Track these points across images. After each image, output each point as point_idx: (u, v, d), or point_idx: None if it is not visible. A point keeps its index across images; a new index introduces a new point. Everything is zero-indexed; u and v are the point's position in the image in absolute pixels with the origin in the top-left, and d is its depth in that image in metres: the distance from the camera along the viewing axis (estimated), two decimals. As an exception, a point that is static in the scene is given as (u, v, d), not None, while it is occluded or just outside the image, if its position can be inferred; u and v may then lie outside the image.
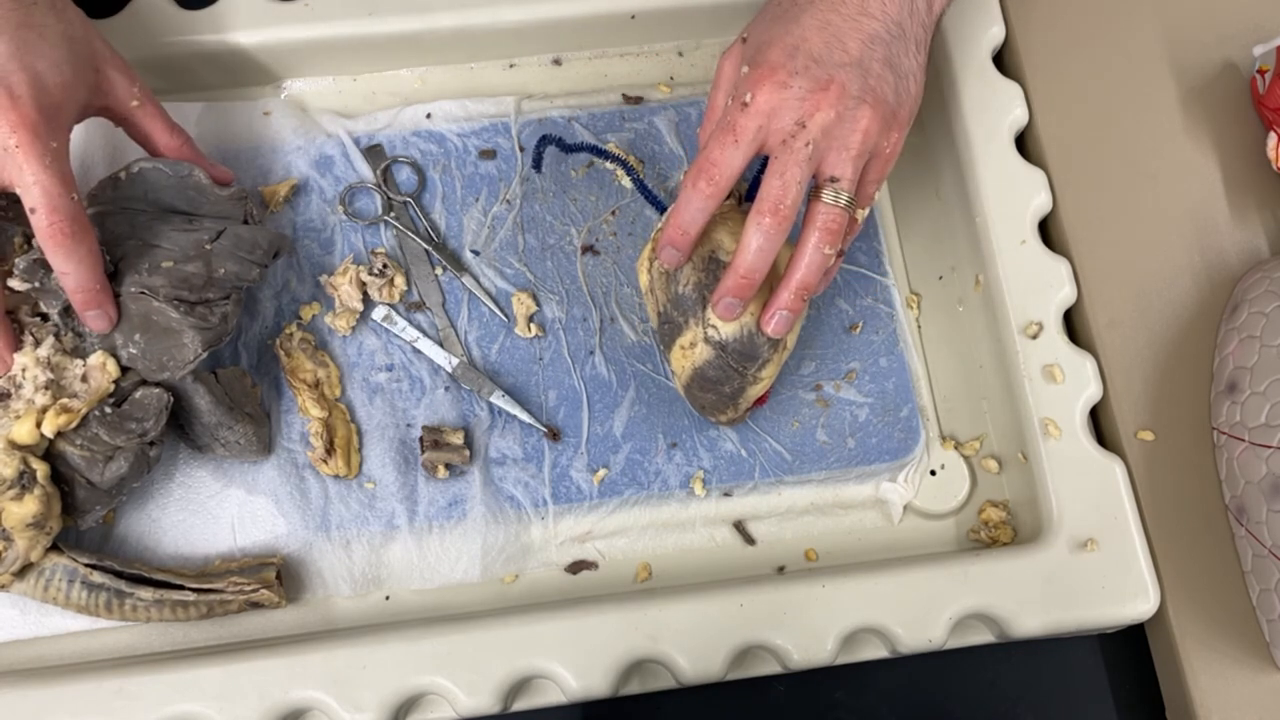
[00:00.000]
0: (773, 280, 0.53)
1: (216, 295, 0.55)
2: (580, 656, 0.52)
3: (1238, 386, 0.57)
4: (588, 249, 0.63)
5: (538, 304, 0.62)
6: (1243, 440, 0.55)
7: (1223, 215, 0.63)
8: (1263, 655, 0.55)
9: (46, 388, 0.53)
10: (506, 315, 0.62)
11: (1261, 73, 0.63)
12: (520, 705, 0.55)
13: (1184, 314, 0.61)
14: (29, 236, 0.55)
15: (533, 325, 0.61)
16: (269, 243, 0.57)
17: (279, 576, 0.55)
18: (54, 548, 0.54)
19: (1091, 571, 0.54)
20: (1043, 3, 0.66)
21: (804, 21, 0.50)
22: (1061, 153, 0.64)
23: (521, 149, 0.64)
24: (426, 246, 0.63)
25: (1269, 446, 0.54)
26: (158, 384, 0.55)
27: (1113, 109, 0.65)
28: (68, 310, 0.54)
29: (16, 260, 0.54)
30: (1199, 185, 0.64)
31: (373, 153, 0.65)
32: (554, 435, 0.60)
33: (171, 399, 0.54)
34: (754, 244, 0.50)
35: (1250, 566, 0.55)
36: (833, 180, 0.50)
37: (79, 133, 0.64)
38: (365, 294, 0.61)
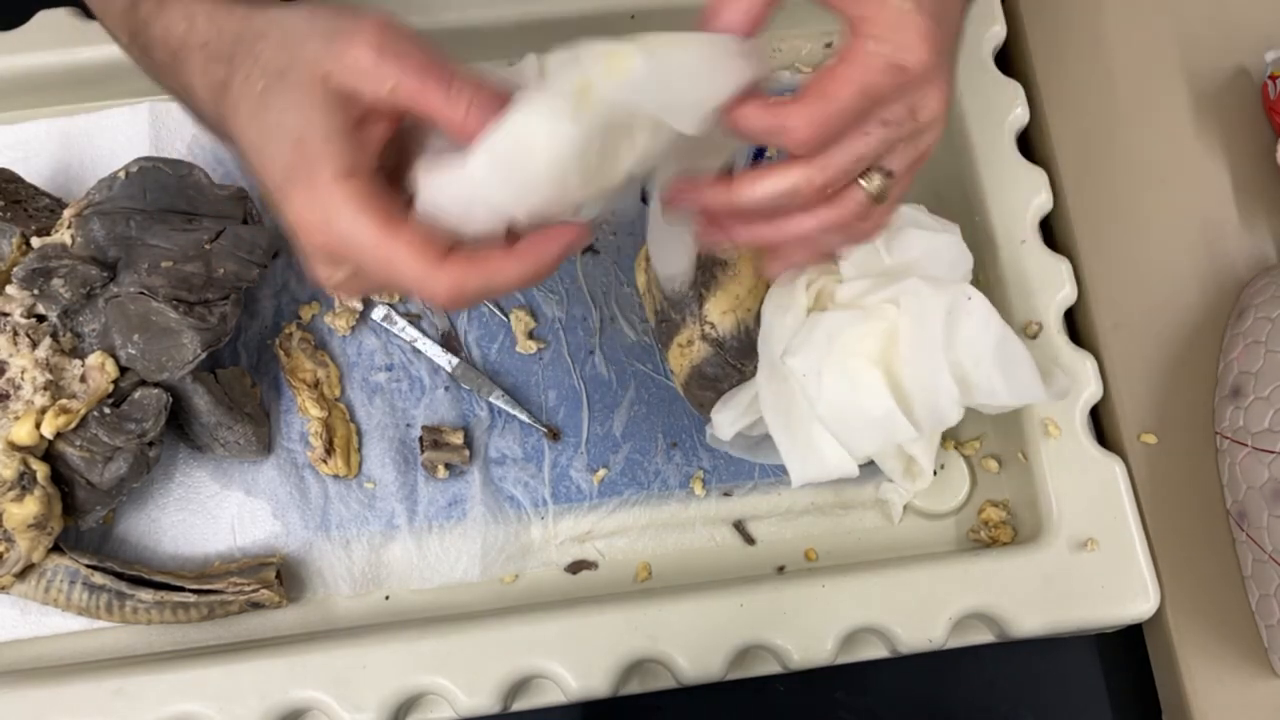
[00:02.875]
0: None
1: (216, 295, 0.55)
2: (580, 656, 0.52)
3: (1242, 391, 0.57)
4: (587, 249, 0.63)
5: (535, 319, 0.62)
6: (1245, 445, 0.55)
7: (1231, 220, 0.63)
8: (1261, 661, 0.55)
9: (45, 388, 0.52)
10: (506, 318, 0.62)
11: (1273, 78, 0.63)
12: (520, 705, 0.55)
13: (1190, 318, 0.61)
14: (27, 238, 0.55)
15: (533, 342, 0.61)
16: (268, 242, 0.57)
17: (279, 576, 0.55)
18: (55, 548, 0.54)
19: (1091, 571, 0.54)
20: (1054, 3, 0.66)
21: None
22: (1070, 154, 0.64)
23: (521, 148, 0.64)
24: (426, 246, 0.63)
25: (1272, 452, 0.54)
26: (157, 384, 0.55)
27: (1123, 112, 0.65)
28: (66, 312, 0.54)
29: (15, 269, 0.54)
30: (1208, 190, 0.63)
31: (372, 152, 0.64)
32: (554, 435, 0.60)
33: (170, 399, 0.54)
34: (782, 188, 0.40)
35: (1250, 571, 0.55)
36: (885, 173, 0.42)
37: (74, 133, 0.64)
38: (365, 293, 0.61)
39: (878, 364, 0.50)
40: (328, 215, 0.35)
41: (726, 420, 0.54)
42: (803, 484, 0.53)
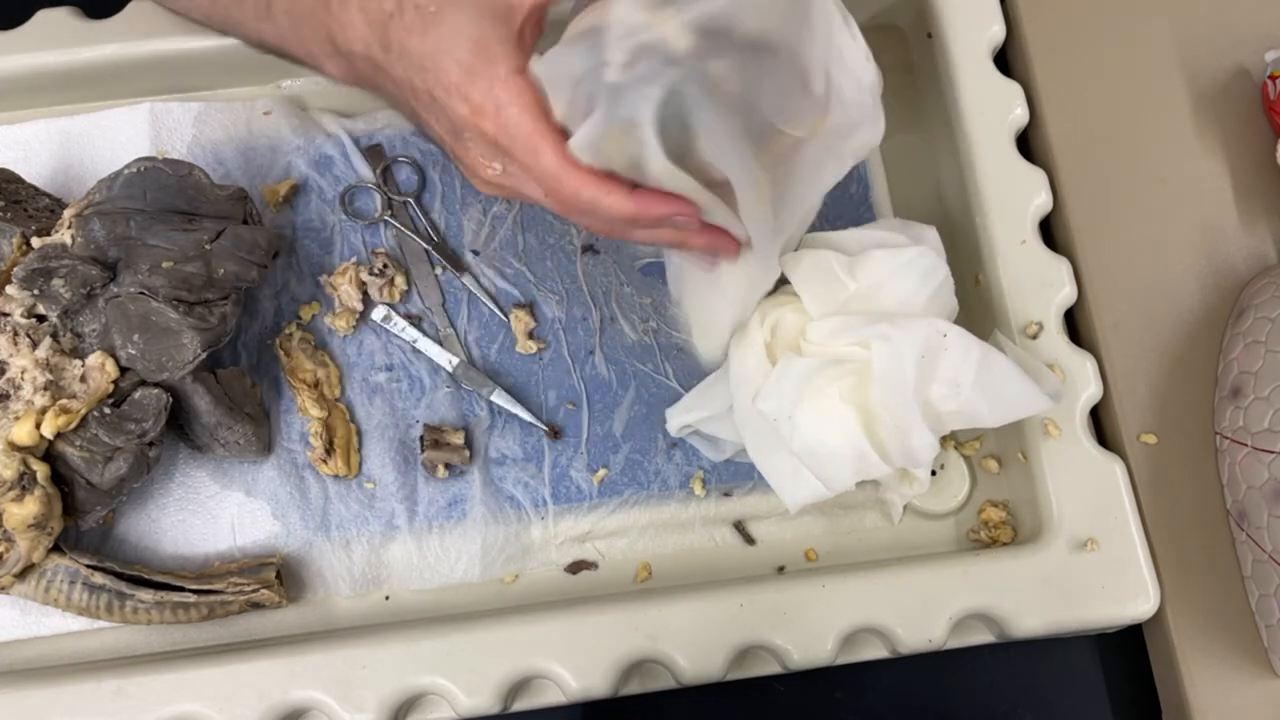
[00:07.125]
0: None
1: (216, 295, 0.55)
2: (580, 656, 0.52)
3: (1242, 391, 0.57)
4: (588, 248, 0.63)
5: (535, 318, 0.62)
6: (1245, 445, 0.55)
7: (1231, 220, 0.63)
8: (1261, 661, 0.55)
9: (45, 389, 0.52)
10: (506, 318, 0.62)
11: (1273, 78, 0.63)
12: (520, 705, 0.55)
13: (1189, 318, 0.61)
14: (27, 238, 0.55)
15: (533, 342, 0.61)
16: (268, 243, 0.57)
17: (279, 576, 0.55)
18: (55, 548, 0.54)
19: (1091, 571, 0.54)
20: (1054, 3, 0.66)
21: None
22: (1070, 154, 0.64)
23: (521, 148, 0.64)
24: (426, 246, 0.63)
25: (1271, 452, 0.54)
26: (157, 384, 0.55)
27: (1123, 112, 0.65)
28: (66, 312, 0.54)
29: (15, 269, 0.53)
30: (1208, 190, 0.63)
31: (372, 152, 0.64)
32: (555, 433, 0.60)
33: (170, 399, 0.54)
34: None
35: (1250, 571, 0.55)
36: None
37: (74, 133, 0.64)
38: (365, 294, 0.61)
39: (849, 401, 0.52)
40: (499, 104, 0.42)
41: (675, 414, 0.58)
42: (799, 508, 0.54)
